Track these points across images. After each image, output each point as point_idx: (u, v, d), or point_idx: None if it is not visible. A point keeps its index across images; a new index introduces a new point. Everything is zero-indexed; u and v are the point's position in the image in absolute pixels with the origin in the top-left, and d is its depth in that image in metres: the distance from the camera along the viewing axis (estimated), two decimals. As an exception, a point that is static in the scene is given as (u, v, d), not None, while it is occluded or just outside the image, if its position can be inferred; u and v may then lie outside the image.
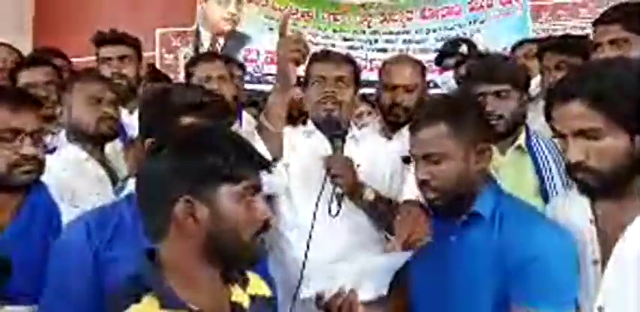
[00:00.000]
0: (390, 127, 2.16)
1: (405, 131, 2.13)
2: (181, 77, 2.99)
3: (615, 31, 1.59)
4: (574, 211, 1.26)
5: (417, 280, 1.42)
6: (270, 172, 1.01)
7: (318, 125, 1.80)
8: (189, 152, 0.93)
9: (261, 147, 1.54)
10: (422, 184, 1.32)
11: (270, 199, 1.68)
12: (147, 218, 0.95)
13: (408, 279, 1.46)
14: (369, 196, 1.66)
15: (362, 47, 3.57)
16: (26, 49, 3.33)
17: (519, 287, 1.21)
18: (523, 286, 1.20)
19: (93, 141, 1.80)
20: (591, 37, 2.04)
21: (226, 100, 1.39)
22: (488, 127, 1.41)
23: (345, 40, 3.59)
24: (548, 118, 1.20)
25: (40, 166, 1.35)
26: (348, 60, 1.87)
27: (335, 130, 1.71)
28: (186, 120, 1.20)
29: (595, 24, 1.67)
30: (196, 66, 2.30)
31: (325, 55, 1.85)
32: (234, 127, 2.47)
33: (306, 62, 1.72)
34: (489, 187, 1.33)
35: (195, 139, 0.96)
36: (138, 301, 0.88)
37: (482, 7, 3.44)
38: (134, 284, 0.90)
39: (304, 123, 1.88)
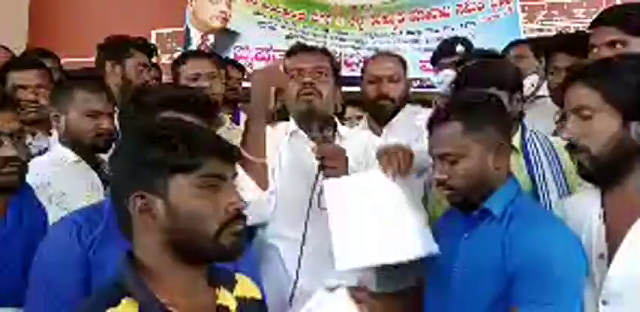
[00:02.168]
0: (378, 123, 2.16)
1: (395, 122, 2.20)
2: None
3: (613, 32, 1.58)
4: (584, 205, 1.27)
5: (430, 274, 1.41)
6: (232, 158, 0.95)
7: (299, 123, 1.77)
8: (138, 147, 0.91)
9: (246, 181, 1.52)
10: (438, 184, 1.33)
11: None
12: (117, 217, 0.93)
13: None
14: None
15: (353, 47, 3.57)
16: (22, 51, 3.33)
17: (517, 289, 1.20)
18: (521, 287, 1.19)
19: (87, 150, 1.79)
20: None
21: (206, 96, 1.35)
22: (507, 125, 1.41)
23: (337, 39, 3.60)
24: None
25: (23, 167, 1.34)
26: (325, 52, 1.84)
27: (321, 121, 1.65)
28: (164, 115, 1.18)
29: (592, 25, 1.66)
30: (185, 63, 2.25)
31: (301, 48, 1.83)
32: (229, 127, 2.47)
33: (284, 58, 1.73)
34: (508, 184, 1.33)
35: (144, 134, 0.94)
36: (116, 304, 0.86)
37: (472, 9, 3.45)
38: (113, 286, 0.88)
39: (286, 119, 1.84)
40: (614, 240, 1.19)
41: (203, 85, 2.14)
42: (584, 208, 1.27)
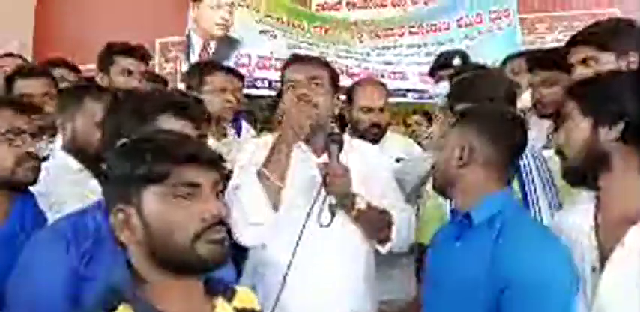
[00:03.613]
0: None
1: (390, 136, 2.44)
2: (181, 86, 3.01)
3: (584, 51, 1.66)
4: (576, 218, 1.29)
5: (424, 288, 1.44)
6: (210, 165, 0.93)
7: None
8: (113, 160, 0.92)
9: (263, 200, 1.56)
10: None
11: None
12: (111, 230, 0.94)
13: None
14: (361, 204, 1.61)
15: (354, 58, 3.60)
16: (27, 58, 3.36)
17: (506, 304, 1.20)
18: (510, 303, 1.20)
19: (91, 159, 1.77)
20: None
21: (200, 103, 1.36)
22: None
23: (338, 50, 3.63)
24: None
25: (40, 165, 1.39)
26: (323, 62, 1.83)
27: (331, 136, 1.64)
28: (158, 123, 1.18)
29: (566, 46, 1.73)
30: (212, 75, 2.27)
31: (296, 59, 1.81)
32: (232, 138, 2.50)
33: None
34: (498, 194, 1.34)
35: (119, 147, 0.95)
36: (113, 310, 0.87)
37: (471, 24, 3.49)
38: (110, 294, 0.89)
39: None
40: (605, 253, 1.20)
41: (229, 98, 2.21)
42: (576, 222, 1.29)
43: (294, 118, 1.60)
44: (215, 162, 0.94)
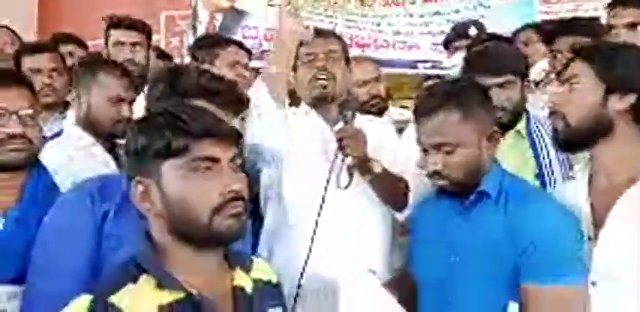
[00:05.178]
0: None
1: (393, 110, 2.44)
2: (186, 61, 2.97)
3: (633, 14, 1.57)
4: (573, 190, 1.31)
5: (421, 265, 1.41)
6: (228, 140, 0.93)
7: (314, 107, 1.77)
8: (134, 134, 0.93)
9: (263, 91, 1.57)
10: (433, 174, 1.31)
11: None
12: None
13: (412, 264, 1.46)
14: (377, 168, 1.62)
15: (364, 28, 3.52)
16: (32, 34, 3.34)
17: (530, 265, 1.21)
18: (532, 264, 1.21)
19: (104, 134, 1.80)
20: (603, 18, 2.01)
21: (239, 88, 1.37)
22: (494, 112, 1.40)
23: (346, 20, 3.55)
24: None
25: (31, 145, 1.35)
26: (336, 35, 1.86)
27: (345, 103, 1.67)
28: (195, 103, 1.17)
29: (610, 6, 1.64)
30: (225, 48, 2.25)
31: (314, 32, 1.79)
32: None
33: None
34: (494, 166, 1.34)
35: (139, 120, 0.96)
36: (134, 281, 0.88)
37: None
38: (132, 264, 0.90)
39: (297, 105, 1.84)
40: (599, 222, 1.23)
41: (242, 73, 2.20)
42: (573, 193, 1.30)
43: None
44: (233, 137, 0.95)
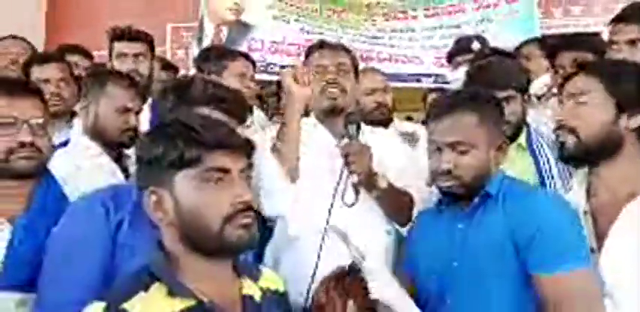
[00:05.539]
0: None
1: (398, 123, 2.47)
2: (192, 72, 3.00)
3: (634, 31, 1.59)
4: (573, 203, 1.31)
5: (422, 271, 1.41)
6: (240, 151, 0.95)
7: (320, 118, 1.79)
8: (147, 144, 0.94)
9: (274, 167, 1.62)
10: (443, 173, 1.31)
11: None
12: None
13: (413, 269, 1.45)
14: (382, 184, 1.61)
15: (367, 42, 3.56)
16: (39, 44, 3.36)
17: (534, 257, 1.21)
18: (537, 255, 1.21)
19: (111, 144, 1.82)
20: (604, 34, 2.04)
21: (244, 97, 1.41)
22: (503, 124, 1.43)
23: (351, 34, 3.59)
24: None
25: (40, 153, 1.37)
26: (345, 48, 1.87)
27: (349, 116, 1.66)
28: (202, 110, 1.19)
29: (612, 22, 1.66)
30: (233, 60, 2.28)
31: (322, 45, 1.83)
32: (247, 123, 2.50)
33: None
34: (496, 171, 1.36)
35: (152, 130, 0.97)
36: (146, 289, 0.89)
37: (488, 6, 3.43)
38: (144, 273, 0.91)
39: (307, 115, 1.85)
40: (602, 235, 1.24)
41: (248, 85, 2.23)
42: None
43: (294, 99, 1.66)
44: (245, 148, 0.96)
